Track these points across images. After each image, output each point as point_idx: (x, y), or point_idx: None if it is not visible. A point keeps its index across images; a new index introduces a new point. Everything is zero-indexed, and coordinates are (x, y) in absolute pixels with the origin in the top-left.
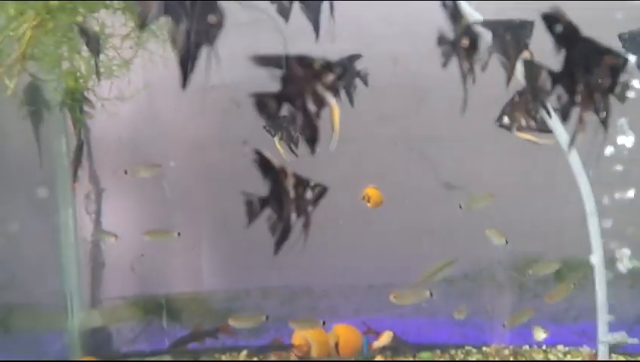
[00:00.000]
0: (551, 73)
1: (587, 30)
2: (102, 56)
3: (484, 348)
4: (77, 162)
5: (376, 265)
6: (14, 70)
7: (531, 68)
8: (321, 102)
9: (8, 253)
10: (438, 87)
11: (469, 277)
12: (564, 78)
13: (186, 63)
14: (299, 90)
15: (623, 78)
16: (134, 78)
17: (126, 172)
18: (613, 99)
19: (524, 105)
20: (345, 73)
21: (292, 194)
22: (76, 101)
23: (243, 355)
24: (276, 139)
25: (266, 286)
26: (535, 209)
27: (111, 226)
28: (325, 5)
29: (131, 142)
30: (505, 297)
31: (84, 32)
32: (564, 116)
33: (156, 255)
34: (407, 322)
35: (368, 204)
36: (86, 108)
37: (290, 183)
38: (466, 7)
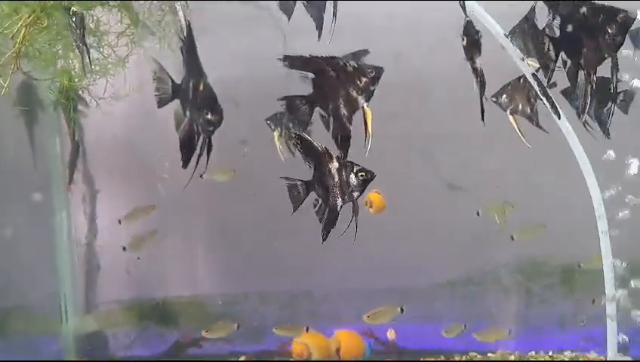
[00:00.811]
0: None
1: None
2: (97, 54)
3: (489, 354)
4: (73, 164)
5: (378, 268)
6: (8, 69)
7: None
8: (353, 106)
9: (2, 256)
10: (441, 84)
11: (473, 280)
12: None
13: (187, 147)
14: (331, 93)
15: (627, 87)
16: (130, 77)
17: (202, 176)
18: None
19: (526, 91)
20: (379, 77)
21: (337, 178)
22: (70, 100)
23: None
24: (275, 133)
25: (265, 290)
26: (542, 211)
27: (106, 228)
28: (329, 3)
29: (127, 142)
30: (510, 301)
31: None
32: (572, 81)
33: (153, 258)
34: (410, 327)
35: (371, 210)
36: (80, 107)
37: (334, 167)
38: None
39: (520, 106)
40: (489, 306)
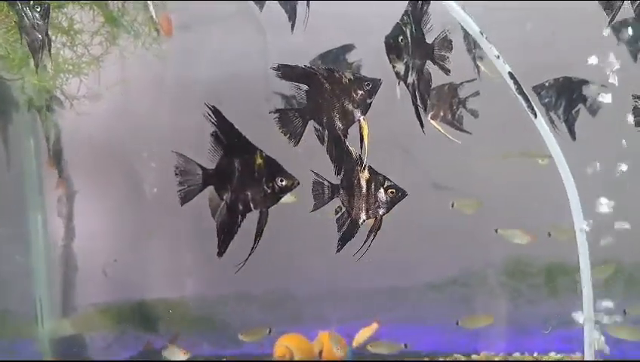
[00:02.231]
0: None
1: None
2: (70, 53)
3: (473, 356)
4: (57, 158)
5: (363, 270)
6: None
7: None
8: (349, 120)
9: None
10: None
11: (458, 282)
12: None
13: (226, 234)
14: (325, 106)
15: (594, 92)
16: (107, 76)
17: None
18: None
19: (449, 98)
20: (377, 89)
21: (364, 190)
22: (44, 100)
23: None
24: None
25: (248, 292)
26: (526, 211)
27: (84, 230)
28: None
29: (105, 141)
30: (495, 302)
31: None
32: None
33: (131, 259)
34: (396, 328)
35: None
36: (56, 107)
37: (364, 178)
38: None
39: (441, 113)
40: (474, 307)
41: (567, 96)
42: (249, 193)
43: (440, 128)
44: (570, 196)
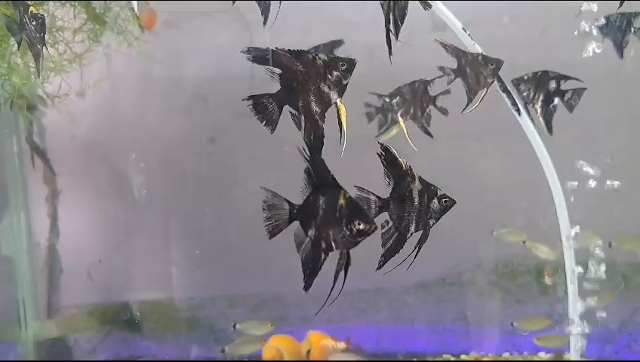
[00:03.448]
0: None
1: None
2: (52, 51)
3: (462, 356)
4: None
5: (350, 271)
6: None
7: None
8: (325, 103)
9: None
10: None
11: (446, 281)
12: None
13: (311, 270)
14: (300, 89)
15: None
16: (90, 74)
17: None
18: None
19: (419, 96)
20: (352, 69)
21: (416, 202)
22: (25, 99)
23: None
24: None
25: (234, 293)
26: (517, 210)
27: (68, 230)
28: None
29: (90, 141)
30: (484, 302)
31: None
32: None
33: (117, 261)
34: (384, 329)
35: None
36: (40, 106)
37: (415, 188)
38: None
39: (411, 110)
40: (463, 307)
41: (544, 91)
42: (331, 232)
43: (404, 128)
44: (556, 200)
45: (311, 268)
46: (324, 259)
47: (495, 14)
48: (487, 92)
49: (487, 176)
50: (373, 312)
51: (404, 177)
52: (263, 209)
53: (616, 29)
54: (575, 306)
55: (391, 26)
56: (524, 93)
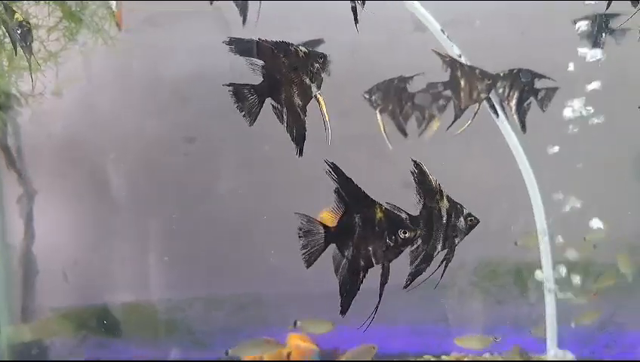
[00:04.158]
0: None
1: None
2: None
3: (443, 357)
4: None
5: (330, 272)
6: None
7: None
8: (307, 96)
9: None
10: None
11: (428, 282)
12: None
13: (349, 291)
14: (283, 82)
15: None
16: (66, 73)
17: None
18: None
19: (398, 92)
20: (327, 63)
21: (444, 220)
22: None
23: None
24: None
25: (214, 295)
26: (496, 212)
27: (44, 231)
28: None
29: (65, 141)
30: (466, 303)
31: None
32: None
33: (93, 262)
34: (366, 330)
35: None
36: (15, 105)
37: (444, 207)
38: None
39: (390, 106)
40: (445, 308)
41: (519, 88)
42: (370, 248)
43: (382, 125)
44: (533, 202)
45: (348, 290)
46: (363, 277)
47: (475, 14)
48: (479, 108)
49: (469, 176)
50: (353, 313)
51: (434, 195)
52: (299, 236)
53: (594, 30)
54: (552, 304)
55: None
56: (500, 91)
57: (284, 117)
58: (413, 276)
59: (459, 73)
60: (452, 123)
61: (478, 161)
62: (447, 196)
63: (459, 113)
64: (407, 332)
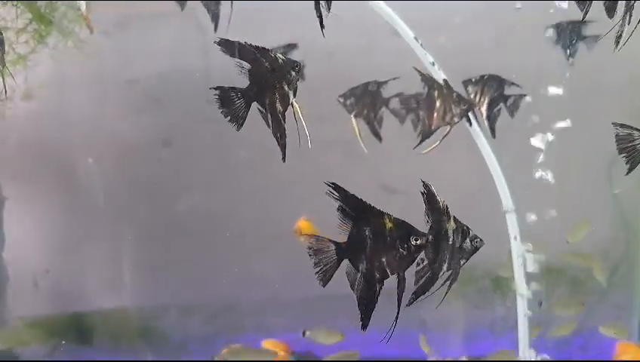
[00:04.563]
0: None
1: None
2: None
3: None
4: None
5: (307, 277)
6: None
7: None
8: (286, 102)
9: None
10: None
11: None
12: None
13: (367, 305)
14: (267, 87)
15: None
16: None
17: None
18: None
19: (372, 97)
20: (302, 71)
21: (450, 241)
22: None
23: None
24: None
25: (188, 302)
26: (475, 215)
27: (14, 238)
28: None
29: (37, 145)
30: (443, 308)
31: None
32: None
33: (65, 269)
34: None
35: (301, 238)
36: None
37: (450, 229)
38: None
39: (365, 111)
40: (421, 312)
41: (490, 94)
42: (384, 259)
43: (357, 129)
44: (504, 205)
45: (367, 304)
46: (380, 288)
47: (454, 20)
48: (449, 132)
49: (445, 180)
50: (332, 319)
51: (442, 216)
52: (310, 255)
53: (566, 37)
54: (524, 306)
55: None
56: (472, 95)
57: (269, 122)
58: (417, 294)
59: (436, 93)
60: (419, 143)
61: (455, 164)
62: (454, 217)
63: (427, 133)
64: (380, 337)
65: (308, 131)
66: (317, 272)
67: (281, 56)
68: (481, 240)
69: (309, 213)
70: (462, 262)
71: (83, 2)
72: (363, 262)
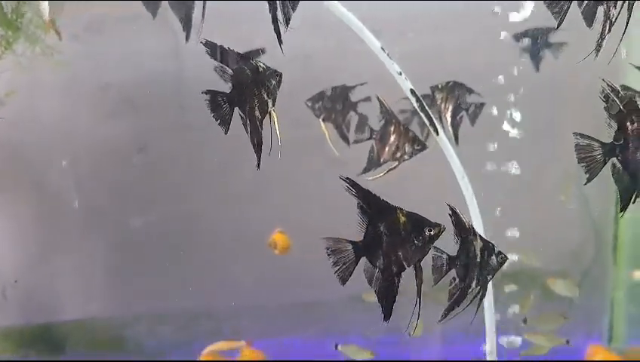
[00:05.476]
0: None
1: None
2: None
3: None
4: None
5: (284, 283)
6: None
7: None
8: (264, 110)
9: None
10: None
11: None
12: None
13: (387, 299)
14: (248, 93)
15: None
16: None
17: None
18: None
19: (341, 101)
20: (281, 80)
21: (478, 258)
22: None
23: None
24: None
25: (163, 309)
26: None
27: None
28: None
29: (6, 151)
30: (423, 312)
31: None
32: None
33: (35, 279)
34: (319, 342)
35: (275, 251)
36: None
37: (478, 246)
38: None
39: (332, 115)
40: (398, 317)
41: (454, 101)
42: (400, 252)
43: (327, 133)
44: (471, 213)
45: (387, 299)
46: (399, 281)
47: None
48: (396, 167)
49: (420, 186)
50: (307, 324)
51: (469, 236)
52: (328, 255)
53: (533, 43)
54: (491, 311)
55: (279, 12)
56: (438, 102)
57: (249, 128)
58: (448, 310)
59: (392, 128)
60: (364, 171)
61: (430, 171)
62: (480, 236)
63: (374, 164)
64: (360, 342)
65: (281, 143)
66: (336, 271)
67: (262, 64)
68: (505, 256)
69: (284, 217)
70: (489, 278)
71: (46, 8)
72: (380, 258)
